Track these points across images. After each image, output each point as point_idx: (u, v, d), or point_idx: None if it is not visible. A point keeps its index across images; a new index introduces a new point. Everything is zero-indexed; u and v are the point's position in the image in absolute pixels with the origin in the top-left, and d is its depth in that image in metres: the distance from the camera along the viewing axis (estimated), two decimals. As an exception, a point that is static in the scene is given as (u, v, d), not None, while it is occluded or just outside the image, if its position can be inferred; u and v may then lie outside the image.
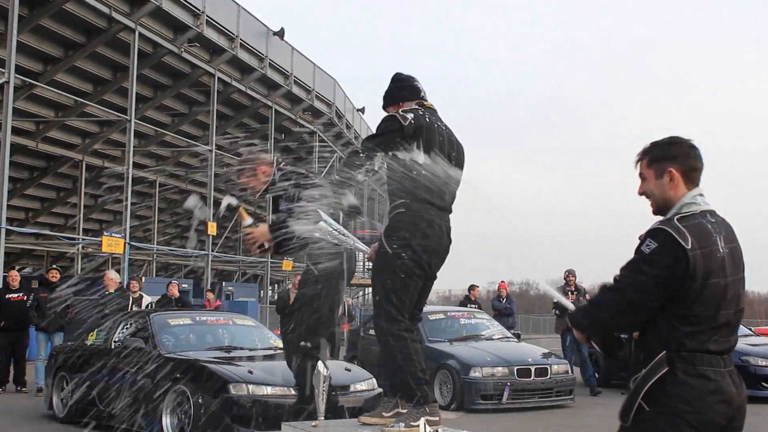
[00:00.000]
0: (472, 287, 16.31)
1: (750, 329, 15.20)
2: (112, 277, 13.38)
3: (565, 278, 13.40)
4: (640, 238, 2.84)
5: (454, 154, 4.51)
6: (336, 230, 4.61)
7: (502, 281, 17.12)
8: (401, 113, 4.40)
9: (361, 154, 4.38)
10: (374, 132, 4.55)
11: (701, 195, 2.90)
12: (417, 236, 4.29)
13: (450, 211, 4.50)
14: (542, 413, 10.87)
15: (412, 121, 4.34)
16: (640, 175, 2.96)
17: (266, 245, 5.19)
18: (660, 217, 2.90)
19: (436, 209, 4.36)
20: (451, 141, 4.51)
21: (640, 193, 2.98)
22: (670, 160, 2.89)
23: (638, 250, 2.80)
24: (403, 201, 4.34)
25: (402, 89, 4.63)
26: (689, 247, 2.70)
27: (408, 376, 4.39)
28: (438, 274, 4.59)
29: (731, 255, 2.83)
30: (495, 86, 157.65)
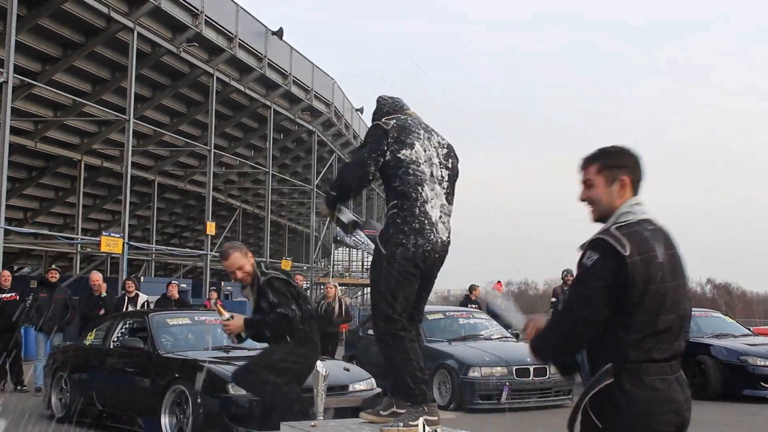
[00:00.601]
0: (472, 287, 16.29)
1: (749, 329, 15.20)
2: (99, 278, 13.35)
3: (563, 278, 13.41)
4: (581, 248, 2.84)
5: (444, 153, 4.59)
6: (353, 235, 4.79)
7: (498, 281, 17.11)
8: (384, 120, 4.51)
9: (353, 166, 4.48)
10: (361, 143, 4.63)
11: (638, 204, 2.89)
12: (410, 235, 4.35)
13: (448, 207, 4.54)
14: (541, 413, 10.88)
15: (395, 125, 4.45)
16: (586, 181, 2.95)
17: (243, 335, 5.88)
18: (600, 225, 2.91)
19: (430, 207, 4.41)
20: (438, 140, 4.60)
21: (583, 199, 2.96)
22: (623, 168, 2.90)
23: (581, 264, 2.79)
24: (396, 202, 4.41)
25: (383, 106, 4.73)
26: (627, 254, 2.70)
27: (406, 375, 4.41)
28: (438, 275, 4.63)
29: (670, 261, 2.82)
30: (498, 86, 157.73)
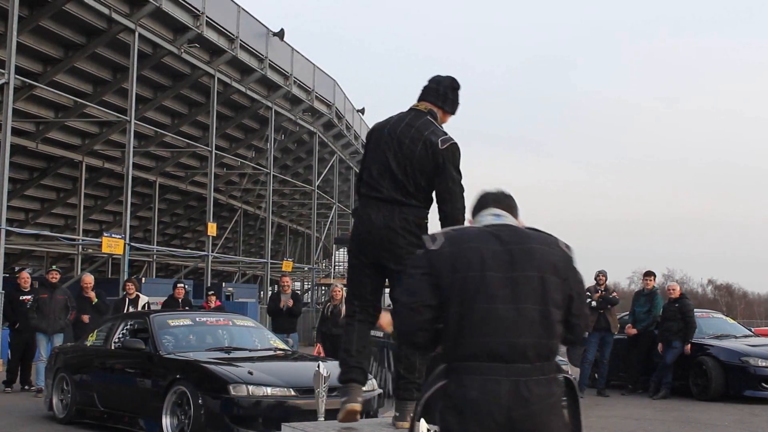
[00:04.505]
0: None
1: (750, 330, 15.19)
2: (90, 281, 13.40)
3: (595, 278, 13.40)
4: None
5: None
6: None
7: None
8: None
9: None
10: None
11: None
12: (354, 229, 4.75)
13: (389, 201, 4.53)
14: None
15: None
16: None
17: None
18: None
19: (370, 200, 4.60)
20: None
21: None
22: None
23: None
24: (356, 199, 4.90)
25: (449, 93, 4.69)
26: (435, 247, 2.71)
27: (342, 348, 4.75)
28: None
29: (491, 255, 2.71)
30: (500, 87, 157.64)
